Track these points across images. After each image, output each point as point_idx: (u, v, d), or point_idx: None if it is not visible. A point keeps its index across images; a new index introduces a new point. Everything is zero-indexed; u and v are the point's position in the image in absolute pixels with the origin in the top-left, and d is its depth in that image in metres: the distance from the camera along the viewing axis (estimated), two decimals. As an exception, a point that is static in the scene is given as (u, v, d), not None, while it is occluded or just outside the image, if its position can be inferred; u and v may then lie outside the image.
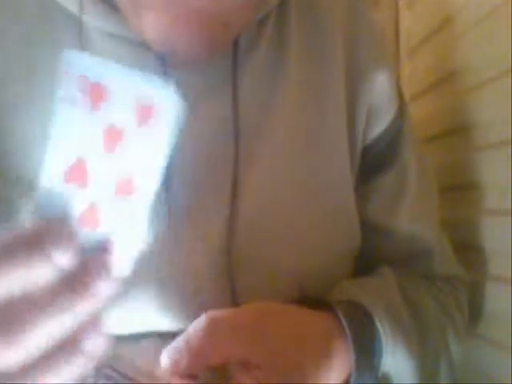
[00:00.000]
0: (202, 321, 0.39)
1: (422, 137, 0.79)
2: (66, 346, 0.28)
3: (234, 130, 0.48)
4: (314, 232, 0.50)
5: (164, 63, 0.46)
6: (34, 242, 0.28)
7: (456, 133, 0.68)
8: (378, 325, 0.45)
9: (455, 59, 0.69)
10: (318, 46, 0.53)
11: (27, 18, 0.48)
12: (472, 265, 0.63)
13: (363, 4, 0.58)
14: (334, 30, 0.54)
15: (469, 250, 0.64)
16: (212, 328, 0.39)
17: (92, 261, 0.29)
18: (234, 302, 0.46)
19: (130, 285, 0.45)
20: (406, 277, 0.54)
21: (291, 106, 0.51)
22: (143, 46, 0.46)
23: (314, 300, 0.46)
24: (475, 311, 0.61)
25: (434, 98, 0.77)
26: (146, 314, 0.45)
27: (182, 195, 0.47)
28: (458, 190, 0.67)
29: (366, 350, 0.44)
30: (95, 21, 0.46)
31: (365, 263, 0.57)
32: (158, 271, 0.46)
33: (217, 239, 0.47)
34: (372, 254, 0.57)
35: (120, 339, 0.45)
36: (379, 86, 0.54)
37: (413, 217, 0.56)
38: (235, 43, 0.49)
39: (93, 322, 0.29)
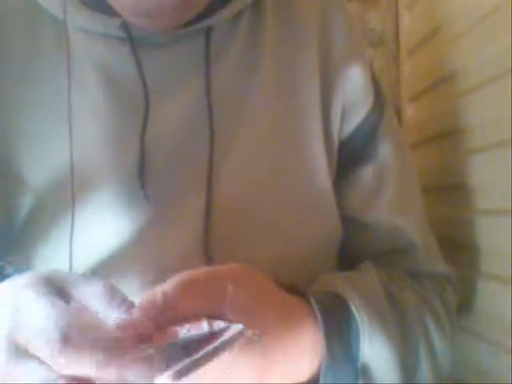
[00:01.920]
0: (175, 278, 0.38)
1: (421, 137, 0.79)
2: None
3: (208, 119, 0.49)
4: (289, 220, 0.50)
5: (137, 55, 0.48)
6: None
7: (456, 133, 0.68)
8: (354, 311, 0.44)
9: (455, 59, 0.69)
10: (292, 41, 0.54)
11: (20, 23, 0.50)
12: (470, 264, 0.63)
13: (339, 3, 0.58)
14: (309, 25, 0.55)
15: (466, 249, 0.64)
16: (186, 284, 0.37)
17: None
18: None
19: (111, 270, 0.46)
20: (389, 271, 0.54)
21: (265, 98, 0.52)
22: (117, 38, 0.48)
23: (287, 287, 0.45)
24: (474, 311, 0.61)
25: (433, 99, 0.77)
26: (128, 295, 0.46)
27: (157, 183, 0.48)
28: (458, 190, 0.67)
29: (340, 337, 0.43)
30: (75, 20, 0.48)
31: (348, 260, 0.57)
32: (137, 258, 0.47)
33: (192, 227, 0.47)
34: (354, 249, 0.57)
35: None
36: (353, 80, 0.55)
37: (392, 211, 0.56)
38: (207, 35, 0.50)
39: None
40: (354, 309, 0.44)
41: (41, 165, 0.48)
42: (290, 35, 0.54)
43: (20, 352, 0.31)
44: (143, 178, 0.47)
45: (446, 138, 0.72)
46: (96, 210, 0.47)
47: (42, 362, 0.31)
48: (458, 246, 0.66)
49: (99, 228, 0.47)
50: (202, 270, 0.38)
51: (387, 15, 0.91)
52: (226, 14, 0.51)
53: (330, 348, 0.42)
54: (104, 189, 0.47)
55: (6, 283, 0.35)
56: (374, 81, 0.58)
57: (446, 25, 0.71)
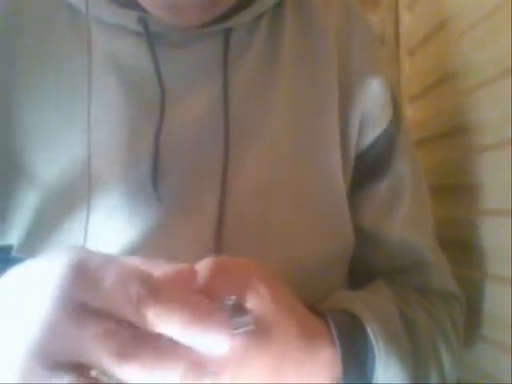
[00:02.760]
0: (209, 261, 0.38)
1: (422, 137, 0.79)
2: None
3: (224, 123, 0.48)
4: (302, 227, 0.50)
5: (156, 56, 0.47)
6: None
7: (456, 133, 0.68)
8: (371, 336, 0.44)
9: (455, 59, 0.68)
10: (311, 48, 0.53)
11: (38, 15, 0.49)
12: (472, 264, 0.63)
13: (357, 9, 0.58)
14: (329, 34, 0.54)
15: (469, 249, 0.64)
16: (219, 266, 0.37)
17: None
18: None
19: None
20: (401, 291, 0.54)
21: (282, 105, 0.51)
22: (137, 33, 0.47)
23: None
24: (475, 311, 0.61)
25: (434, 98, 0.77)
26: None
27: (170, 185, 0.47)
28: (458, 190, 0.67)
29: (356, 360, 0.43)
30: (92, 9, 0.47)
31: (359, 273, 0.56)
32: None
33: (205, 232, 0.47)
34: (365, 262, 0.57)
35: None
36: (373, 93, 0.54)
37: (407, 227, 0.56)
38: (226, 37, 0.49)
39: None
40: (370, 333, 0.44)
41: (52, 161, 0.47)
42: (309, 42, 0.53)
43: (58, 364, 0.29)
44: (156, 180, 0.47)
45: (446, 138, 0.72)
46: (107, 210, 0.46)
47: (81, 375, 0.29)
48: (461, 247, 0.66)
49: (110, 229, 0.46)
50: (230, 259, 0.38)
51: (387, 15, 0.91)
52: (246, 16, 0.50)
53: (346, 371, 0.42)
54: (116, 189, 0.46)
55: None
56: (393, 95, 0.57)
57: (447, 24, 0.71)
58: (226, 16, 0.49)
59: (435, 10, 0.75)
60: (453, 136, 0.69)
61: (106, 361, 0.28)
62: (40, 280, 0.31)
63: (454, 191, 0.69)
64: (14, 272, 0.33)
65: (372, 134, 0.55)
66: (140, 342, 0.29)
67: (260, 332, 0.37)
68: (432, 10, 0.76)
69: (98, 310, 0.29)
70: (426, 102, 0.80)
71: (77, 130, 0.46)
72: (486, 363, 0.61)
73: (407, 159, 0.57)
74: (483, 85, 0.61)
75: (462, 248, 0.66)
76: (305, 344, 0.40)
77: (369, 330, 0.44)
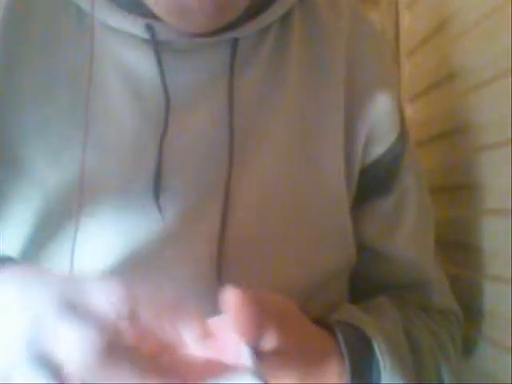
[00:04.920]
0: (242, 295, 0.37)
1: (422, 137, 0.79)
2: None
3: (228, 136, 0.48)
4: (304, 244, 0.49)
5: (160, 61, 0.47)
6: None
7: (456, 133, 0.68)
8: (378, 356, 0.44)
9: (455, 59, 0.69)
10: (319, 60, 0.53)
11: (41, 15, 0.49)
12: (472, 265, 0.63)
13: (369, 21, 0.58)
14: (338, 45, 0.53)
15: (469, 249, 0.64)
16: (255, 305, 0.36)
17: None
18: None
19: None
20: (404, 308, 0.54)
21: (287, 117, 0.50)
22: (140, 38, 0.47)
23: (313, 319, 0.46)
24: (475, 311, 0.61)
25: (434, 98, 0.77)
26: None
27: (172, 197, 0.46)
28: (458, 190, 0.67)
29: (363, 378, 0.43)
30: (99, 14, 0.47)
31: (359, 287, 0.56)
32: (144, 277, 0.45)
33: (207, 246, 0.46)
34: (367, 278, 0.57)
35: None
36: (381, 107, 0.54)
37: (410, 245, 0.56)
38: (233, 47, 0.49)
39: None
40: (378, 353, 0.44)
41: (53, 165, 0.46)
42: (316, 54, 0.53)
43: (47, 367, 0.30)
44: (158, 191, 0.46)
45: (446, 138, 0.72)
46: (105, 219, 0.46)
47: None
48: (462, 247, 0.66)
49: (108, 238, 0.46)
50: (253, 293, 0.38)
51: (387, 15, 0.91)
52: (254, 26, 0.49)
53: None
54: (116, 197, 0.46)
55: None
56: (400, 110, 0.57)
57: (446, 25, 0.71)
58: (233, 25, 0.48)
59: (435, 10, 0.75)
60: (453, 136, 0.69)
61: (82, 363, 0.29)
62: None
63: (454, 191, 0.69)
64: None
65: (379, 149, 0.54)
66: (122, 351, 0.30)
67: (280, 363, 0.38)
68: (432, 10, 0.77)
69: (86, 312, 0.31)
70: (426, 102, 0.80)
71: (79, 133, 0.46)
72: (486, 363, 0.61)
73: (413, 174, 0.57)
74: (483, 85, 0.61)
75: (462, 248, 0.66)
76: (315, 364, 0.41)
77: (377, 350, 0.44)
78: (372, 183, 0.55)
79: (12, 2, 0.49)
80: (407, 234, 0.56)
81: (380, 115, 0.54)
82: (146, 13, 0.46)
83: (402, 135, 0.56)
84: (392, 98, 0.54)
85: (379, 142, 0.54)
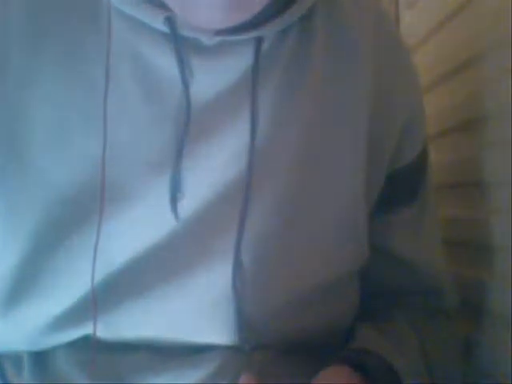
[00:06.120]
0: None
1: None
2: None
3: (249, 143, 0.46)
4: (319, 258, 0.49)
5: (182, 61, 0.45)
6: None
7: (458, 131, 0.68)
8: None
9: (456, 58, 0.68)
10: (342, 63, 0.51)
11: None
12: (482, 264, 0.62)
13: (390, 20, 0.57)
14: (362, 48, 0.51)
15: (479, 248, 0.63)
16: None
17: None
18: (240, 325, 0.46)
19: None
20: (418, 324, 0.55)
21: (307, 126, 0.49)
22: (164, 34, 0.45)
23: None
24: (480, 310, 0.61)
25: (434, 97, 0.77)
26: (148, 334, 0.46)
27: (191, 207, 0.45)
28: (468, 188, 0.67)
29: None
30: (121, 4, 0.45)
31: (370, 290, 0.56)
32: (158, 285, 0.45)
33: (223, 253, 0.46)
34: (385, 283, 0.57)
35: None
36: (411, 115, 0.54)
37: (431, 252, 0.57)
38: (256, 47, 0.46)
39: None
40: None
41: (64, 161, 0.45)
42: (339, 57, 0.51)
43: None
44: (175, 200, 0.45)
45: (447, 137, 0.72)
46: (121, 220, 0.45)
47: None
48: (472, 246, 0.65)
49: (121, 239, 0.45)
50: None
51: (388, 12, 0.91)
52: (278, 24, 0.46)
53: None
54: (132, 204, 0.45)
55: None
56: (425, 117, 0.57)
57: (447, 24, 0.71)
58: (256, 24, 0.45)
59: (435, 9, 0.75)
60: (454, 134, 0.69)
61: None
62: None
63: (464, 188, 0.68)
64: None
65: (409, 156, 0.54)
66: None
67: None
68: (432, 9, 0.76)
69: None
70: (428, 100, 0.79)
71: (92, 131, 0.44)
72: (486, 363, 0.60)
73: (430, 180, 0.57)
74: (484, 83, 0.60)
75: (472, 246, 0.65)
76: None
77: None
78: (399, 190, 0.55)
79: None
80: (428, 241, 0.57)
81: (412, 119, 0.54)
82: (167, 5, 0.44)
83: (426, 138, 0.56)
84: (420, 105, 0.55)
85: (410, 149, 0.54)
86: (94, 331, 0.43)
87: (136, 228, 0.45)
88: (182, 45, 0.45)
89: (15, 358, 0.48)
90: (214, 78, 0.46)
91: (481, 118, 0.62)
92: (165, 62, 0.45)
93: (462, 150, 0.69)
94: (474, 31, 0.63)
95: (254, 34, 0.45)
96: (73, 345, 0.46)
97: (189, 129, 0.45)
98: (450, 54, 0.70)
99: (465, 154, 0.67)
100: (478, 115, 0.63)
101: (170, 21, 0.44)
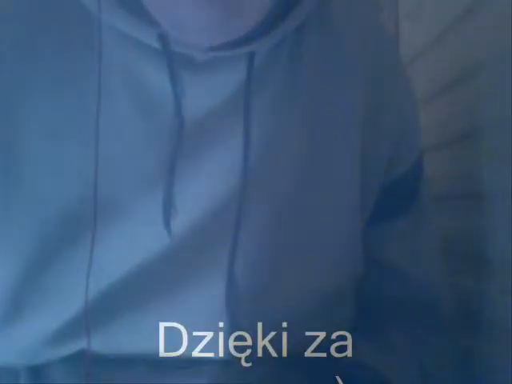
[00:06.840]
0: None
1: (426, 145, 0.78)
2: None
3: (242, 159, 0.46)
4: (313, 272, 0.49)
5: (174, 73, 0.45)
6: None
7: (458, 141, 0.68)
8: None
9: (455, 70, 0.68)
10: (336, 77, 0.51)
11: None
12: (483, 276, 0.62)
13: (384, 30, 0.57)
14: (354, 57, 0.52)
15: (478, 259, 0.63)
16: None
17: None
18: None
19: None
20: (418, 338, 0.55)
21: (302, 134, 0.49)
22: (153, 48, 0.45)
23: None
24: (479, 321, 0.61)
25: (434, 108, 0.77)
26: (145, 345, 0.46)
27: (184, 224, 0.46)
28: (467, 199, 0.67)
29: None
30: (109, 18, 0.44)
31: (370, 306, 0.56)
32: (153, 299, 0.46)
33: (215, 268, 0.46)
34: (378, 295, 0.56)
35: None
36: (406, 118, 0.54)
37: (429, 264, 0.57)
38: (249, 62, 0.46)
39: None
40: None
41: (59, 182, 0.45)
42: (333, 70, 0.51)
43: None
44: (168, 215, 0.45)
45: (447, 147, 0.72)
46: (114, 236, 0.45)
47: None
48: (473, 258, 0.65)
49: (114, 255, 0.45)
50: None
51: (387, 24, 0.92)
52: (271, 39, 0.46)
53: None
54: (125, 219, 0.45)
55: None
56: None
57: (447, 33, 0.71)
58: (249, 39, 0.45)
59: (435, 20, 0.76)
60: (455, 145, 0.69)
61: None
62: None
63: (464, 200, 0.68)
64: None
65: (404, 167, 0.54)
66: None
67: None
68: (432, 21, 0.77)
69: None
70: (427, 111, 0.79)
71: (84, 146, 0.44)
72: (485, 374, 0.60)
73: (426, 191, 0.57)
74: (483, 94, 0.60)
75: (473, 259, 0.65)
76: None
77: None
78: (393, 202, 0.54)
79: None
80: (424, 252, 0.56)
81: (406, 128, 0.54)
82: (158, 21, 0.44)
83: (421, 150, 0.56)
84: (414, 117, 0.55)
85: (403, 159, 0.54)
86: (88, 345, 0.43)
87: (129, 243, 0.45)
88: (174, 60, 0.44)
89: (12, 372, 0.48)
90: (206, 93, 0.46)
91: (480, 129, 0.62)
92: (157, 77, 0.45)
93: (460, 162, 0.69)
94: (473, 43, 0.63)
95: (246, 49, 0.45)
96: (69, 359, 0.46)
97: (181, 144, 0.45)
98: (449, 66, 0.70)
99: (463, 166, 0.67)
100: (477, 127, 0.63)
101: (163, 37, 0.44)
